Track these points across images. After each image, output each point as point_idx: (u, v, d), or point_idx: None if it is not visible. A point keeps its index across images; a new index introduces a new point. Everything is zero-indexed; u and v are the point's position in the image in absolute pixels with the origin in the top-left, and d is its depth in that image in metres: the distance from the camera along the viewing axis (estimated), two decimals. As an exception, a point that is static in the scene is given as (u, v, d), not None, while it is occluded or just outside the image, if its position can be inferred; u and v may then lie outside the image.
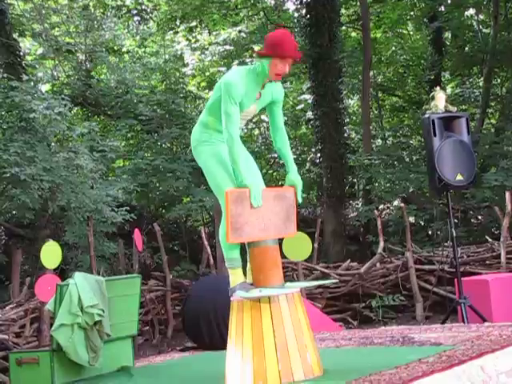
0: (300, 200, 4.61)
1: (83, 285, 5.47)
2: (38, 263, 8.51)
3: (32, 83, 11.17)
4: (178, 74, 16.54)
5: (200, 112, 15.65)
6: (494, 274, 8.64)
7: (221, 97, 4.47)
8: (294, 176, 4.64)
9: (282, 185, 4.71)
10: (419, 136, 16.58)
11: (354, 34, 19.48)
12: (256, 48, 17.74)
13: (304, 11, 14.73)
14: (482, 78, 16.51)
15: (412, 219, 13.33)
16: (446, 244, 9.42)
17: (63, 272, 9.59)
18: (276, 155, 16.41)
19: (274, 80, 4.55)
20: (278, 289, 4.39)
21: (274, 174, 15.99)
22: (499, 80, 17.46)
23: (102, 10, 18.24)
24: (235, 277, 4.58)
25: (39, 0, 15.33)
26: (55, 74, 16.56)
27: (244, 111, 4.55)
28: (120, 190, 10.79)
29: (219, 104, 4.50)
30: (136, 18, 19.53)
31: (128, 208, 10.67)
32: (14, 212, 10.49)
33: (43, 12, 14.57)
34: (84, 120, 14.46)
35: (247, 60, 16.97)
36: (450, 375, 3.88)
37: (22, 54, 13.69)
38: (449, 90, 16.58)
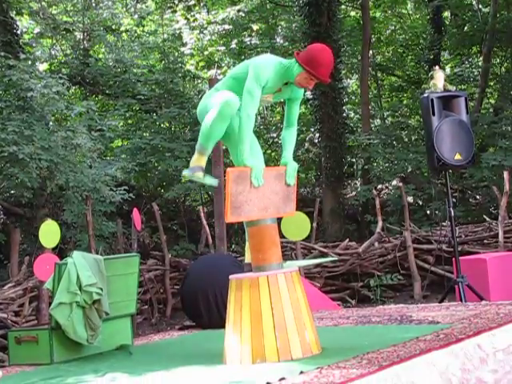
0: (289, 182, 4.62)
1: (82, 264, 5.48)
2: (36, 242, 8.51)
3: (29, 62, 11.13)
4: (176, 54, 16.47)
5: (199, 92, 15.60)
6: (491, 253, 8.66)
7: (243, 73, 4.52)
8: (288, 159, 4.67)
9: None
10: (418, 116, 16.55)
11: (353, 14, 19.37)
12: (255, 27, 17.67)
13: (303, -10, 14.64)
14: (481, 58, 16.46)
15: (410, 199, 13.34)
16: (444, 223, 9.44)
17: (62, 251, 9.60)
18: (275, 135, 16.42)
19: (295, 85, 4.58)
20: (270, 267, 4.39)
21: (273, 154, 15.98)
22: (498, 59, 17.42)
23: (99, -11, 18.12)
24: (196, 159, 4.57)
25: (36, -22, 15.22)
26: (53, 52, 16.48)
27: (261, 97, 4.57)
28: (118, 170, 10.78)
29: (238, 79, 4.55)
30: (134, -3, 19.40)
31: (127, 187, 10.66)
32: (12, 191, 10.48)
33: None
34: (82, 99, 14.42)
35: (246, 39, 16.88)
36: (448, 353, 3.90)
37: (19, 32, 13.58)
38: (448, 70, 16.52)
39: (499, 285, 7.63)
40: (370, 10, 16.01)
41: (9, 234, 9.52)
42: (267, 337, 4.23)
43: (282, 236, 7.08)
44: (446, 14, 18.34)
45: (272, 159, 15.37)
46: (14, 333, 5.73)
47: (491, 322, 4.75)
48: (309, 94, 15.19)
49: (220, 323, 5.39)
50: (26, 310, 7.71)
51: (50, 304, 5.70)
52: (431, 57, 16.42)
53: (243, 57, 16.75)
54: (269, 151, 15.90)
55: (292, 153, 4.74)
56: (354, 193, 14.62)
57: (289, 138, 4.77)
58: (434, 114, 7.08)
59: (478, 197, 13.68)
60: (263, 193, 4.43)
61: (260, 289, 4.30)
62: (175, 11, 18.63)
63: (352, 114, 17.65)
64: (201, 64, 18.31)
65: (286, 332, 4.25)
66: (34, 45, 15.61)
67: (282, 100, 4.90)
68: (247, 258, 4.70)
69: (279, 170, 4.62)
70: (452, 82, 8.95)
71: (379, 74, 19.38)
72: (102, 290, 5.49)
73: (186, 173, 4.58)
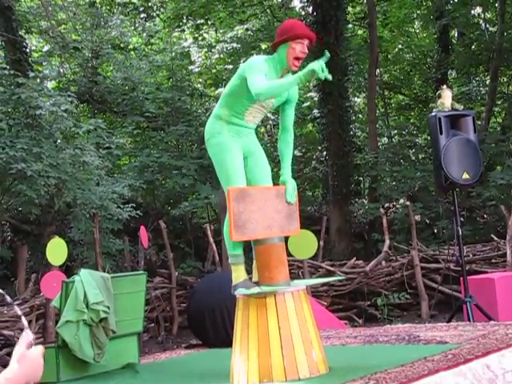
0: (290, 200, 4.59)
1: (89, 281, 5.47)
2: (43, 260, 8.52)
3: (38, 80, 11.19)
4: (184, 72, 16.54)
5: (206, 110, 15.64)
6: (499, 272, 8.63)
7: (239, 84, 4.48)
8: (286, 177, 4.65)
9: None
10: (425, 134, 16.56)
11: (360, 32, 19.46)
12: (263, 46, 17.75)
13: (310, 9, 14.73)
14: (488, 77, 16.48)
15: (418, 217, 13.32)
16: (451, 242, 9.41)
17: (69, 269, 9.61)
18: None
19: (293, 68, 4.50)
20: (278, 286, 4.38)
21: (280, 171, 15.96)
22: (505, 78, 17.44)
23: (108, 7, 18.26)
24: (238, 273, 4.58)
25: (46, -3, 15.35)
26: (61, 70, 16.57)
27: (262, 103, 4.55)
28: (126, 187, 10.80)
29: (236, 92, 4.52)
30: (142, 16, 19.53)
31: (134, 205, 10.68)
32: (20, 208, 10.51)
33: (50, 9, 14.57)
34: (90, 117, 14.48)
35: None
36: (456, 374, 3.87)
37: (28, 50, 13.71)
38: (455, 89, 16.55)
39: (507, 304, 7.59)
40: (377, 28, 16.07)
41: (16, 250, 9.54)
42: (274, 356, 4.21)
43: (289, 254, 7.06)
44: (453, 32, 18.39)
45: (279, 177, 15.36)
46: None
47: (500, 342, 4.72)
48: (316, 113, 15.23)
49: (227, 342, 5.36)
50: (32, 327, 7.70)
51: (56, 322, 5.69)
52: (439, 75, 16.46)
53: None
54: (275, 169, 15.92)
55: (290, 167, 4.70)
56: (361, 211, 14.59)
57: (286, 149, 4.72)
58: (441, 133, 7.07)
59: (485, 216, 13.64)
60: (266, 211, 4.42)
61: (267, 307, 4.28)
62: (183, 30, 18.76)
63: (359, 133, 17.66)
64: (208, 82, 18.39)
65: (294, 351, 4.23)
66: (43, 63, 15.72)
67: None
68: (255, 277, 4.69)
69: (279, 188, 4.62)
70: (459, 101, 8.94)
71: (386, 93, 19.42)
72: (108, 308, 5.48)
73: (240, 291, 4.45)
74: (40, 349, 1.96)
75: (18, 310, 2.30)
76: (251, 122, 4.68)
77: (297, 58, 4.47)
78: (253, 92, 4.29)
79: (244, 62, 4.73)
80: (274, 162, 16.17)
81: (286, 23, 4.63)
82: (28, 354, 1.92)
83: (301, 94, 17.68)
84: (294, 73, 4.42)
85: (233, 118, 4.58)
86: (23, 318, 2.13)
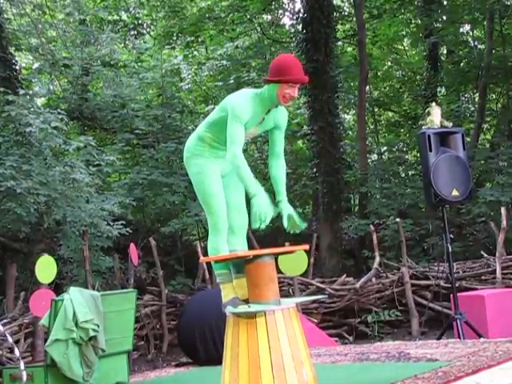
0: (303, 226, 4.57)
1: (78, 300, 5.45)
2: (32, 277, 8.47)
3: (28, 97, 11.16)
4: (174, 89, 16.56)
5: (196, 126, 15.62)
6: (489, 289, 8.63)
7: (224, 117, 4.45)
8: (285, 205, 4.60)
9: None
10: (415, 151, 16.62)
11: (349, 49, 19.57)
12: (253, 63, 17.80)
13: (300, 26, 14.80)
14: (477, 94, 16.57)
15: (408, 234, 13.34)
16: (441, 259, 9.42)
17: (58, 286, 9.55)
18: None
19: (282, 103, 4.46)
20: (268, 305, 4.36)
21: (271, 187, 15.97)
22: (494, 95, 17.54)
23: (98, 25, 18.28)
24: (226, 291, 4.56)
25: (36, 14, 15.35)
26: (51, 88, 16.56)
27: (245, 133, 4.50)
28: (116, 205, 10.76)
29: (221, 123, 4.48)
30: (133, 33, 19.57)
31: (124, 222, 10.64)
32: (9, 226, 10.46)
33: (40, 26, 14.59)
34: (80, 134, 14.45)
35: (244, 75, 17.01)
36: (446, 392, 3.87)
37: (18, 68, 13.68)
38: (444, 106, 16.63)
39: (497, 321, 7.59)
40: (366, 46, 16.15)
41: (5, 268, 9.47)
42: (264, 375, 4.18)
43: (279, 272, 7.06)
44: (443, 50, 18.52)
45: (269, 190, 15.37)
46: (9, 370, 5.68)
47: (490, 359, 4.72)
48: (306, 130, 15.26)
49: (217, 359, 5.33)
50: (21, 346, 7.64)
51: (45, 340, 5.65)
52: (428, 93, 16.54)
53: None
54: (266, 185, 15.93)
55: (285, 193, 4.67)
56: (351, 228, 14.59)
57: (280, 174, 4.67)
58: (430, 150, 7.11)
59: (475, 232, 13.67)
60: None
61: (257, 326, 4.26)
62: (174, 47, 18.81)
63: (349, 149, 17.71)
64: (198, 99, 18.42)
65: (284, 371, 4.20)
66: (32, 80, 15.71)
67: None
68: (231, 294, 4.61)
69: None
70: (449, 118, 8.98)
71: (376, 110, 19.50)
72: (98, 326, 5.45)
73: (229, 310, 4.43)
74: None
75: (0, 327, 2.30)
76: None
77: (286, 98, 4.43)
78: (227, 147, 4.33)
79: (232, 86, 4.74)
80: (265, 178, 16.22)
81: (282, 62, 4.41)
82: None
83: (290, 110, 17.75)
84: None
85: (215, 143, 4.60)
86: (8, 335, 2.15)
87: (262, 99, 4.45)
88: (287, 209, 4.58)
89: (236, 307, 4.40)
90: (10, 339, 2.12)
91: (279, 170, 4.68)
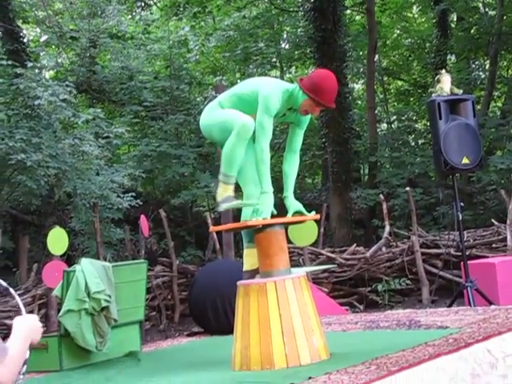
0: (313, 215, 4.69)
1: (90, 271, 5.48)
2: (44, 249, 8.53)
3: (36, 70, 11.15)
4: (182, 60, 16.50)
5: (205, 98, 15.56)
6: (500, 257, 8.63)
7: (251, 96, 4.54)
8: (292, 200, 4.68)
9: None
10: (425, 120, 16.54)
11: (358, 18, 19.40)
12: (260, 33, 17.68)
13: (308, -5, 14.67)
14: (487, 61, 16.44)
15: (418, 202, 13.32)
16: (451, 228, 9.41)
17: (70, 258, 9.62)
18: (281, 140, 16.39)
19: (301, 113, 4.59)
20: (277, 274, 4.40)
21: (280, 158, 15.95)
22: (505, 62, 17.39)
23: (105, -4, 18.18)
24: (221, 189, 4.55)
25: (42, -14, 15.28)
26: (59, 60, 16.52)
27: None
28: (126, 177, 10.79)
29: (245, 100, 4.57)
30: (139, 4, 19.46)
31: (134, 194, 10.68)
32: (20, 199, 10.51)
33: (46, -2, 14.53)
34: (89, 107, 14.44)
35: (251, 45, 16.89)
36: (457, 358, 3.88)
37: (25, 40, 13.66)
38: (455, 74, 16.50)
39: (508, 289, 7.60)
40: (375, 14, 16.01)
41: (17, 241, 9.55)
42: (275, 343, 4.22)
43: (289, 241, 7.07)
44: (452, 17, 18.31)
45: (278, 164, 15.37)
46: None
47: (500, 326, 4.73)
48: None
49: (228, 329, 5.38)
50: (34, 317, 7.71)
51: (58, 311, 5.70)
52: (438, 61, 16.39)
53: (248, 62, 16.79)
54: (276, 156, 15.90)
55: (293, 189, 4.76)
56: (361, 197, 14.59)
57: (291, 170, 4.76)
58: (440, 118, 7.05)
59: (485, 200, 13.65)
60: None
61: (268, 294, 4.29)
62: (181, 18, 18.69)
63: (358, 119, 17.63)
64: (206, 70, 18.34)
65: (295, 338, 4.24)
66: (40, 53, 15.67)
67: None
68: (246, 266, 4.68)
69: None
70: (459, 86, 8.92)
71: (385, 79, 19.38)
72: (110, 296, 5.49)
73: (222, 207, 4.54)
74: (34, 315, 2.23)
75: (13, 292, 2.39)
76: None
77: (306, 112, 4.57)
78: (256, 137, 4.41)
79: (239, 56, 4.79)
80: (274, 149, 16.19)
81: (323, 82, 4.47)
82: (26, 317, 2.18)
83: (299, 80, 17.65)
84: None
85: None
86: (13, 291, 2.28)
87: (290, 97, 4.54)
88: (294, 205, 4.66)
89: (230, 203, 4.49)
90: (23, 309, 2.23)
91: (292, 165, 4.77)
